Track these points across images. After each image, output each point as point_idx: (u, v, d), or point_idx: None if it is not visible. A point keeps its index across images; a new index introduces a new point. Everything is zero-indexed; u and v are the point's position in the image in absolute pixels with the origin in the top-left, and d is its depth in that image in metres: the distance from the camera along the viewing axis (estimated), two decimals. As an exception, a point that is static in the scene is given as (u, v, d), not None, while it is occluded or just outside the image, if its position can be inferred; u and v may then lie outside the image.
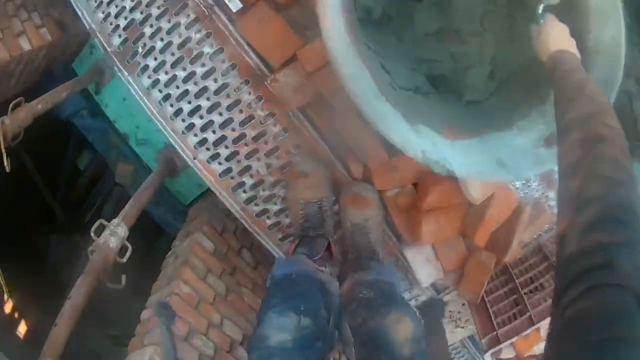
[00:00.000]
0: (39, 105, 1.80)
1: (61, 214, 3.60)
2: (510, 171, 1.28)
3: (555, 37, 1.18)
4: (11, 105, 1.71)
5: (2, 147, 1.57)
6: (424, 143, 1.21)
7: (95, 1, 1.71)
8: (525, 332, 1.85)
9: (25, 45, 1.98)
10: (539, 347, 1.95)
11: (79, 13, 1.75)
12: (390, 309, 1.35)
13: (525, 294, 1.96)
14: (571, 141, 0.87)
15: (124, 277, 1.60)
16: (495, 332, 1.91)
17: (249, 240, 1.87)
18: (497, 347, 1.88)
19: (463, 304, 2.11)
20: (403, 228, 1.78)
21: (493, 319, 1.96)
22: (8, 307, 3.20)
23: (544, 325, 1.85)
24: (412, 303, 2.12)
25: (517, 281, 2.02)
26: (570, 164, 0.84)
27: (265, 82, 1.52)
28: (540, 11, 1.31)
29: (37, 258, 3.72)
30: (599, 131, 0.85)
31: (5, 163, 1.60)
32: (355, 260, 1.62)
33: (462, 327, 2.24)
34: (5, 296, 3.02)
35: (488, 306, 2.01)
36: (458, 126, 1.39)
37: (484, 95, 1.51)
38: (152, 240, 3.34)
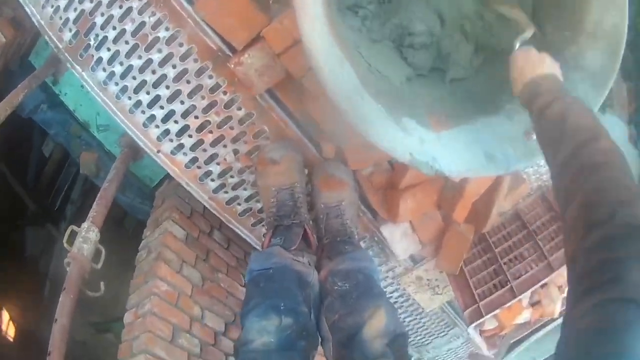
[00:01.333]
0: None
1: (32, 205, 3.42)
2: (499, 165, 1.22)
3: (531, 63, 1.10)
4: None
5: None
6: (411, 142, 1.14)
7: (44, -5, 1.52)
8: (508, 304, 1.80)
9: None
10: (522, 317, 1.94)
11: (28, 10, 1.56)
12: (368, 304, 1.29)
13: (504, 263, 1.91)
14: (569, 178, 0.85)
15: (102, 284, 1.51)
16: (477, 305, 1.86)
17: (218, 220, 1.76)
18: (480, 320, 1.83)
19: (441, 272, 2.05)
20: (379, 206, 1.69)
21: (473, 290, 1.91)
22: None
23: (526, 296, 1.82)
24: (390, 275, 2.06)
25: (495, 250, 1.97)
26: (571, 193, 0.82)
27: (228, 65, 1.37)
28: (517, 47, 1.20)
29: (14, 252, 3.57)
30: (593, 160, 0.82)
31: None
32: (330, 244, 1.52)
33: (440, 294, 2.20)
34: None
35: (467, 277, 1.96)
36: (443, 112, 1.29)
37: (469, 72, 1.40)
38: (120, 218, 3.23)
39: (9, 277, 3.40)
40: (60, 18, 1.51)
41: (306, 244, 1.50)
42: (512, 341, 2.13)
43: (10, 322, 3.71)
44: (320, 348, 1.34)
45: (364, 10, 1.38)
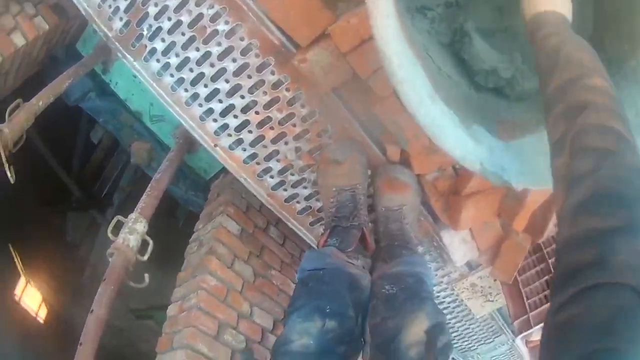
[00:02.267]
0: (40, 102, 1.59)
1: (77, 191, 3.43)
2: None
3: None
4: (8, 110, 1.50)
5: (4, 158, 1.38)
6: (481, 151, 1.06)
7: (91, -19, 1.46)
8: None
9: (19, 41, 1.75)
10: None
11: None
12: (412, 307, 1.21)
13: None
14: (554, 116, 0.78)
15: (147, 275, 1.44)
16: (527, 315, 1.86)
17: (275, 216, 1.72)
18: (529, 332, 1.84)
19: (495, 280, 1.98)
20: (441, 212, 1.61)
21: (525, 300, 1.90)
22: (23, 290, 3.09)
23: None
24: (445, 280, 1.99)
25: (549, 261, 1.95)
26: (556, 141, 0.75)
27: (292, 61, 1.30)
28: None
29: (55, 237, 3.58)
30: (580, 97, 0.75)
31: (9, 174, 1.42)
32: (387, 247, 1.45)
33: (492, 301, 2.15)
34: (23, 279, 2.92)
35: (520, 286, 1.95)
36: (511, 120, 1.22)
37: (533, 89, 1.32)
38: (171, 208, 3.19)
39: (47, 260, 3.43)
40: (110, 6, 1.46)
41: (363, 247, 1.44)
42: None
43: (43, 304, 3.72)
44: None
45: (432, 12, 1.31)
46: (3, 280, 2.96)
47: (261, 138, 1.51)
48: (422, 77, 0.98)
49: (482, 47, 1.25)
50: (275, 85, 1.40)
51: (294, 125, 1.47)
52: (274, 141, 1.51)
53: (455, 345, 2.50)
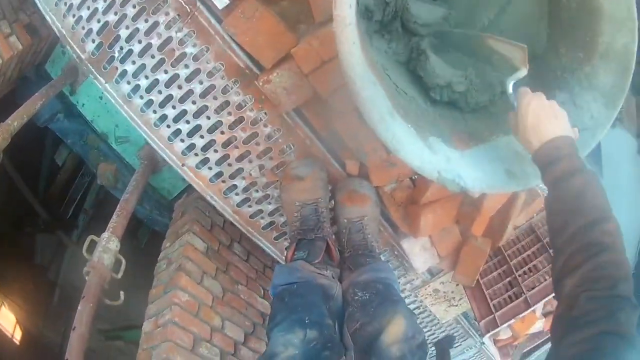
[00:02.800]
0: (15, 122, 1.64)
1: (44, 213, 3.41)
2: (519, 181, 1.21)
3: (545, 118, 1.05)
4: None
5: None
6: (438, 161, 1.14)
7: (65, 4, 1.51)
8: (522, 314, 1.84)
9: None
10: (535, 327, 2.00)
11: (48, 19, 1.56)
12: (387, 310, 1.29)
13: (519, 275, 1.94)
14: (575, 250, 0.89)
15: (122, 293, 1.50)
16: (492, 315, 1.89)
17: (238, 233, 1.78)
18: (495, 330, 1.86)
19: (457, 285, 2.06)
20: (400, 221, 1.69)
21: (489, 301, 1.93)
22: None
23: (539, 306, 1.87)
24: (407, 287, 2.06)
25: (511, 263, 2.00)
26: (573, 264, 0.88)
27: (256, 83, 1.37)
28: (510, 90, 1.15)
29: (25, 259, 3.55)
30: (601, 240, 0.88)
31: None
32: (351, 257, 1.52)
33: (456, 306, 2.21)
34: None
35: (483, 288, 1.98)
36: (465, 131, 1.29)
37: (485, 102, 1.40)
38: (133, 229, 3.21)
39: (18, 282, 3.40)
40: (83, 28, 1.51)
41: (329, 257, 1.50)
42: (524, 350, 2.18)
43: (18, 326, 3.71)
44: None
45: (390, 35, 1.39)
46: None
47: (226, 157, 1.56)
48: (382, 95, 1.05)
49: (437, 63, 1.31)
50: (240, 106, 1.47)
51: (258, 144, 1.53)
52: (239, 159, 1.57)
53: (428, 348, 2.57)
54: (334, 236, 1.57)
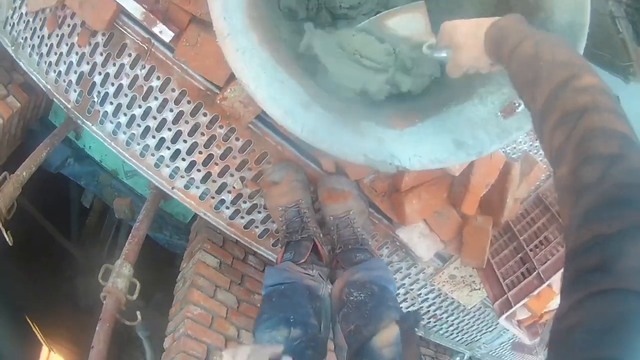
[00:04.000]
0: (24, 172, 1.89)
1: (80, 256, 3.73)
2: (470, 150, 1.25)
3: (473, 29, 1.05)
4: None
5: (1, 225, 1.68)
6: (366, 144, 1.21)
7: (45, 63, 1.77)
8: (536, 291, 1.84)
9: None
10: (555, 303, 1.95)
11: (34, 77, 1.83)
12: (382, 315, 1.39)
13: (530, 250, 1.97)
14: (550, 126, 0.75)
15: (138, 313, 1.71)
16: (506, 296, 1.91)
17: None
18: (510, 311, 1.88)
19: (473, 268, 2.13)
20: (388, 211, 1.81)
21: (501, 281, 1.97)
22: (47, 359, 3.34)
23: (555, 280, 1.83)
24: (421, 277, 2.16)
25: (521, 238, 2.03)
26: (557, 151, 0.73)
27: (217, 101, 1.55)
28: (431, 52, 1.19)
29: (68, 303, 3.85)
30: (576, 101, 0.72)
31: (7, 237, 1.70)
32: (343, 253, 1.66)
33: (478, 289, 2.28)
34: (46, 348, 3.18)
35: (495, 268, 2.02)
36: (411, 109, 1.37)
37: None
38: (170, 259, 3.46)
39: (64, 327, 3.67)
40: (64, 81, 1.76)
41: (317, 256, 1.65)
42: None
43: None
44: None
45: (322, 27, 1.47)
46: (27, 352, 3.21)
47: (209, 174, 1.76)
48: (293, 90, 1.17)
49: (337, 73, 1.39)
50: (210, 125, 1.66)
51: (234, 158, 1.72)
52: (220, 175, 1.76)
53: (456, 339, 2.65)
54: (321, 235, 1.72)
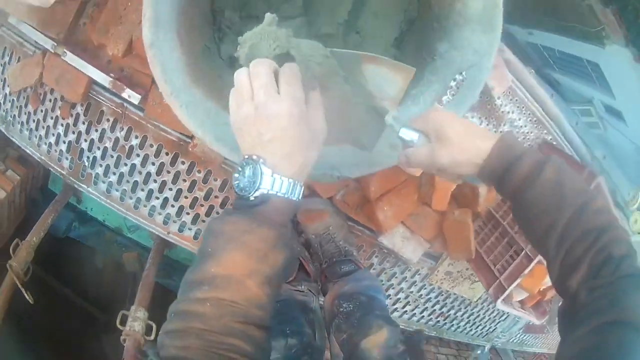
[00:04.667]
0: (34, 238, 2.15)
1: (100, 315, 3.96)
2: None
3: (467, 135, 0.99)
4: (11, 248, 2.08)
5: (19, 284, 1.96)
6: None
7: (36, 137, 2.04)
8: (527, 270, 1.99)
9: (1, 194, 2.34)
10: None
11: (28, 151, 2.10)
12: (370, 323, 1.56)
13: (515, 232, 2.10)
14: (572, 244, 0.86)
15: (155, 352, 1.94)
16: (497, 280, 2.07)
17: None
18: (505, 294, 2.02)
19: (465, 260, 2.29)
20: (365, 222, 2.02)
21: (492, 267, 2.12)
22: None
23: None
24: (417, 278, 2.35)
25: (504, 223, 2.17)
26: (575, 260, 0.85)
27: (190, 149, 1.79)
28: (396, 128, 1.07)
29: (99, 360, 4.08)
30: (594, 222, 0.86)
31: (27, 296, 1.97)
32: (329, 267, 1.87)
33: (478, 281, 2.43)
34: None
35: (484, 257, 2.18)
36: None
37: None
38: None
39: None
40: (56, 151, 2.02)
41: (305, 273, 1.86)
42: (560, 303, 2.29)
43: None
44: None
45: None
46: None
47: (197, 215, 2.00)
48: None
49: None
50: (189, 171, 1.90)
51: (217, 197, 1.96)
52: (207, 214, 2.00)
53: (472, 333, 2.81)
54: (307, 254, 1.93)
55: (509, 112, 2.10)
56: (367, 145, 1.20)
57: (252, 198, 0.82)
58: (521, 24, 3.60)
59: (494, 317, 2.80)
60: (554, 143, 2.25)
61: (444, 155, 0.99)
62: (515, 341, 3.08)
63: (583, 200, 0.87)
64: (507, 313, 2.76)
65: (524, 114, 2.13)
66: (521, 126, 2.17)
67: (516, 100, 2.08)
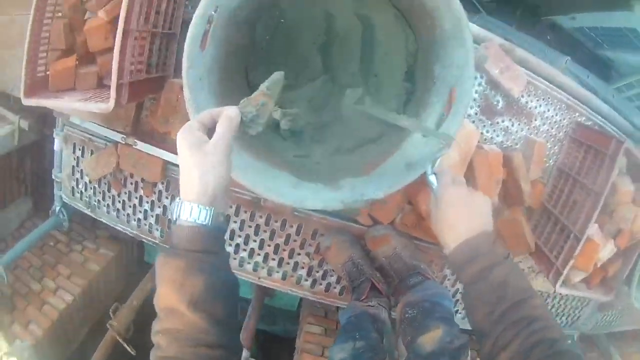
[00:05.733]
0: (134, 301, 2.66)
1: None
2: (417, 169, 1.50)
3: (454, 220, 1.21)
4: (111, 311, 2.62)
5: (122, 341, 2.49)
6: (341, 194, 1.52)
7: (124, 215, 2.51)
8: (577, 251, 2.13)
9: (94, 267, 2.85)
10: (607, 251, 2.28)
11: (119, 228, 2.56)
12: (429, 324, 1.78)
13: (566, 218, 2.29)
14: (505, 327, 1.05)
15: None
16: (554, 266, 2.25)
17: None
18: (562, 278, 2.18)
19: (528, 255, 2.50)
20: (427, 237, 2.39)
21: (549, 255, 2.32)
22: None
23: (594, 232, 2.16)
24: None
25: (555, 212, 2.38)
26: (506, 342, 1.04)
27: (262, 204, 2.26)
28: (430, 172, 1.35)
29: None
30: (529, 313, 1.04)
31: (129, 349, 2.50)
32: (401, 282, 2.21)
33: None
34: None
35: (543, 248, 2.39)
36: (372, 159, 1.70)
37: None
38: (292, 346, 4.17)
39: None
40: (145, 225, 2.51)
41: (377, 291, 2.22)
42: (625, 275, 2.44)
43: None
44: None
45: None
46: None
47: (282, 259, 2.46)
48: (284, 179, 1.52)
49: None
50: (267, 223, 2.37)
51: (295, 240, 2.40)
52: (290, 256, 2.45)
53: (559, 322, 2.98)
54: (378, 275, 2.31)
55: (536, 107, 2.36)
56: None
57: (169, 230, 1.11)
58: (562, 11, 3.65)
59: (576, 304, 2.96)
60: (588, 123, 2.45)
61: (433, 218, 1.29)
62: (601, 325, 3.18)
63: (522, 297, 1.06)
64: (586, 298, 2.90)
65: (551, 104, 2.39)
66: (552, 116, 2.41)
67: (539, 93, 2.34)
